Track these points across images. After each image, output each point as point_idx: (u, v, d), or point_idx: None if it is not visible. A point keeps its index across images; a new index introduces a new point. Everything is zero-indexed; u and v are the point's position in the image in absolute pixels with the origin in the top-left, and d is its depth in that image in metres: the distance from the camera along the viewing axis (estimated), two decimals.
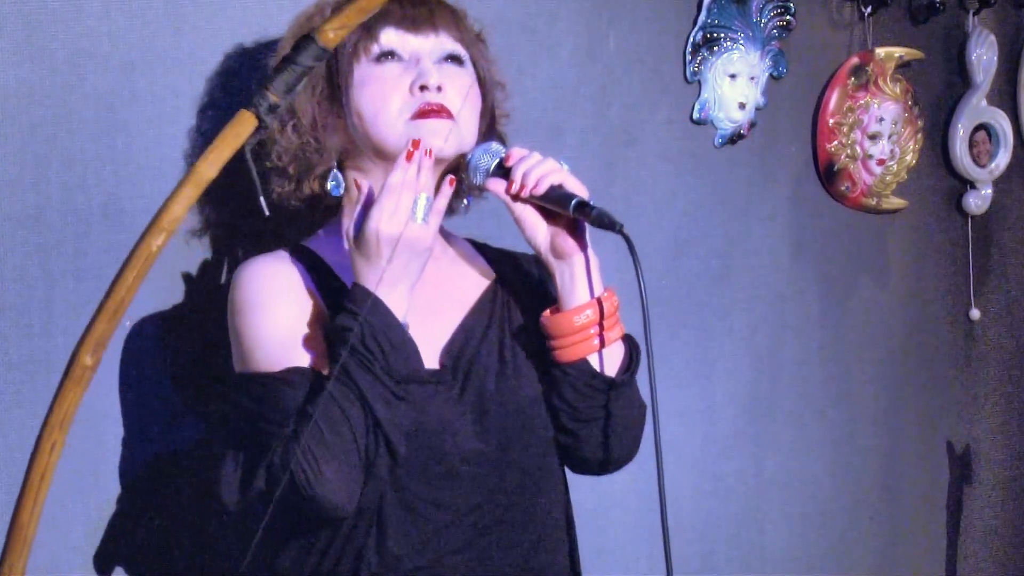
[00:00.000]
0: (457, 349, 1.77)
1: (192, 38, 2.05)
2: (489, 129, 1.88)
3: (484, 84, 1.86)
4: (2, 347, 1.93)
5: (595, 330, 1.77)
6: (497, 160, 1.77)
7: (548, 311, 1.79)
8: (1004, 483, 3.37)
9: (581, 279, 1.77)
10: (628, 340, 1.82)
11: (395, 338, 1.64)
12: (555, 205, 1.74)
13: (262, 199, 1.66)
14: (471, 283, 1.87)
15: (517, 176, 1.73)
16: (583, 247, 1.77)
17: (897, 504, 3.13)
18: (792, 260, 2.91)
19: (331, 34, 1.43)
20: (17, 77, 1.92)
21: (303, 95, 1.77)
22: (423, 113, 1.75)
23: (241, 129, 1.43)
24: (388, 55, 1.78)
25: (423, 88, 1.75)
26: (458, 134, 1.76)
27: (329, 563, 1.70)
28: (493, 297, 1.85)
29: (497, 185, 1.76)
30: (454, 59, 1.81)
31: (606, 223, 1.69)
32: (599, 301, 1.77)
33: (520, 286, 1.88)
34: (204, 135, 2.05)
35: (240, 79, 2.08)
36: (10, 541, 1.22)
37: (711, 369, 2.79)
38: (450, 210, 1.88)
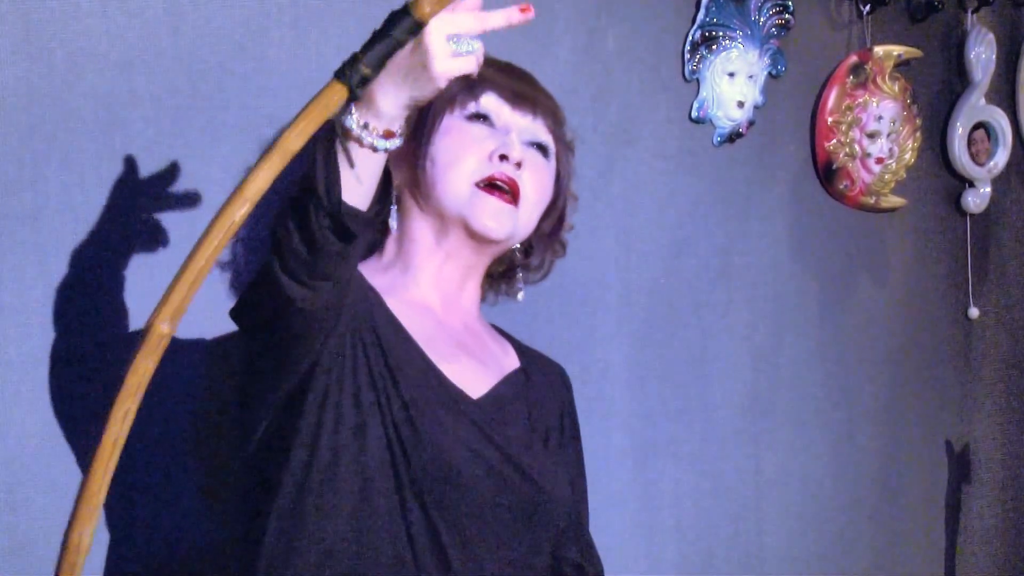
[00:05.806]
0: (499, 398, 1.77)
1: (191, 37, 2.05)
2: (552, 232, 1.88)
3: (560, 183, 1.86)
4: (0, 346, 1.93)
5: None
6: None
7: None
8: (1003, 482, 3.37)
9: None
10: None
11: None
12: None
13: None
14: (503, 358, 1.86)
15: None
16: None
17: (896, 503, 3.13)
18: (791, 259, 2.91)
19: (427, 8, 1.38)
20: (15, 76, 1.92)
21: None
22: (491, 184, 1.73)
23: (330, 100, 1.35)
24: (481, 117, 1.78)
25: (503, 157, 1.74)
26: (515, 219, 1.76)
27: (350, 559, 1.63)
28: (521, 380, 1.84)
29: None
30: (541, 148, 1.81)
31: None
32: None
33: (543, 388, 1.87)
34: (202, 135, 2.04)
35: (238, 79, 2.07)
36: (79, 509, 1.20)
37: (710, 368, 2.79)
38: (504, 290, 1.91)
